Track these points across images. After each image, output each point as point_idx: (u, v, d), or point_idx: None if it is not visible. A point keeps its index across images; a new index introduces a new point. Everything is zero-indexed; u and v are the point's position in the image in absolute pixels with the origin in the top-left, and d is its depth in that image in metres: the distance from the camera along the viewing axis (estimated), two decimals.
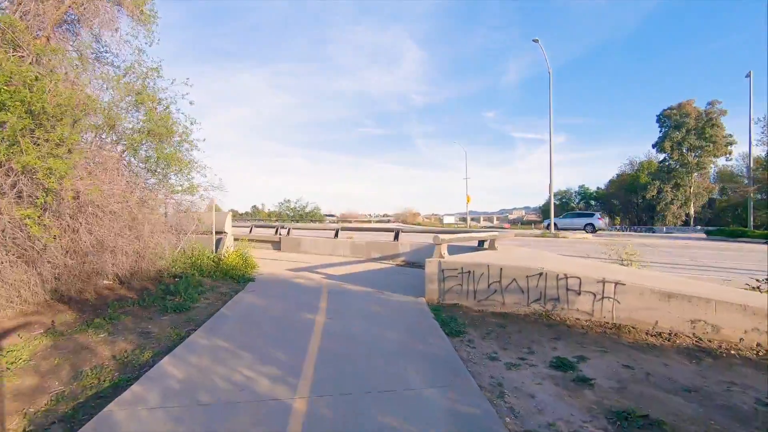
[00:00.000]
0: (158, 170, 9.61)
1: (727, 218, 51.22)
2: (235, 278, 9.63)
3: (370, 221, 47.19)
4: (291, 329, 5.41)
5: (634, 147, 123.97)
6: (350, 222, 41.19)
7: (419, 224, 44.51)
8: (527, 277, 6.10)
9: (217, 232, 14.23)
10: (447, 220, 55.51)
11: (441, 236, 7.26)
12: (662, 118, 55.24)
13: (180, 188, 9.43)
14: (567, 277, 5.80)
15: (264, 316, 6.15)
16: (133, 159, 9.22)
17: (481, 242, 10.31)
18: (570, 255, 12.28)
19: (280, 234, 15.70)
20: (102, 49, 8.53)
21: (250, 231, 16.76)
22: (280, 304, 6.93)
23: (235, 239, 17.20)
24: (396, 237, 12.48)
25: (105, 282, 8.52)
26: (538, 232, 27.01)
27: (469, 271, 6.63)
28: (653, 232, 40.99)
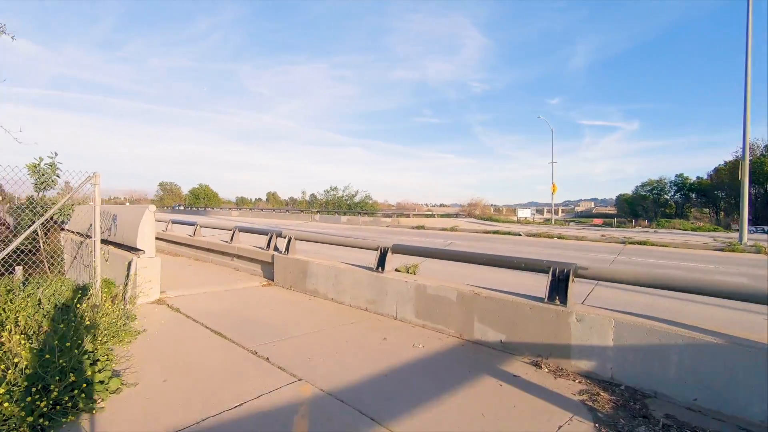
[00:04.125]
0: None
1: None
2: None
3: (433, 215, 38.19)
4: None
5: (721, 134, 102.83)
6: (408, 216, 32.68)
7: (496, 220, 34.79)
8: None
9: (123, 247, 6.61)
10: (521, 213, 45.35)
11: None
12: None
13: None
14: None
15: None
16: None
17: None
18: None
19: (275, 247, 7.80)
20: None
21: (231, 239, 9.07)
22: None
23: (188, 246, 9.57)
24: (556, 290, 3.97)
25: None
26: (712, 243, 16.83)
27: None
28: None
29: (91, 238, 8.73)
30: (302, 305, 6.03)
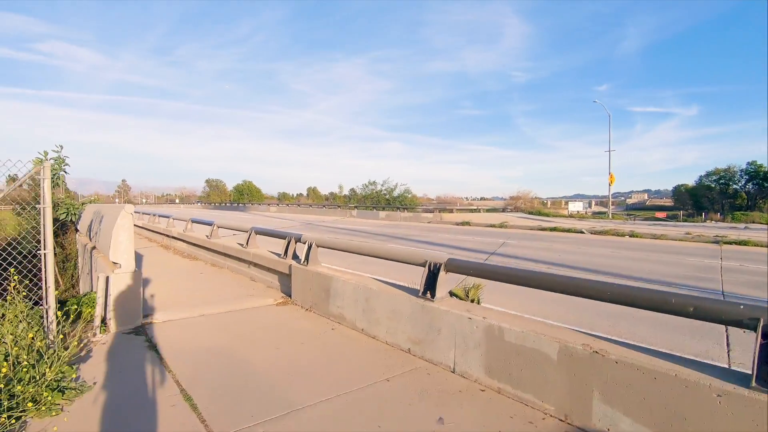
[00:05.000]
0: None
1: None
2: None
3: (478, 209, 35.53)
4: None
5: None
6: (450, 211, 30.47)
7: (545, 214, 31.81)
8: None
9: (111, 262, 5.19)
10: (573, 207, 41.71)
11: None
12: None
13: None
14: None
15: None
16: None
17: None
18: None
19: (293, 255, 6.24)
20: None
21: (247, 243, 7.64)
22: None
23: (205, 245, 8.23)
24: None
25: None
26: None
27: None
28: None
29: (92, 243, 7.57)
30: (321, 340, 4.40)
